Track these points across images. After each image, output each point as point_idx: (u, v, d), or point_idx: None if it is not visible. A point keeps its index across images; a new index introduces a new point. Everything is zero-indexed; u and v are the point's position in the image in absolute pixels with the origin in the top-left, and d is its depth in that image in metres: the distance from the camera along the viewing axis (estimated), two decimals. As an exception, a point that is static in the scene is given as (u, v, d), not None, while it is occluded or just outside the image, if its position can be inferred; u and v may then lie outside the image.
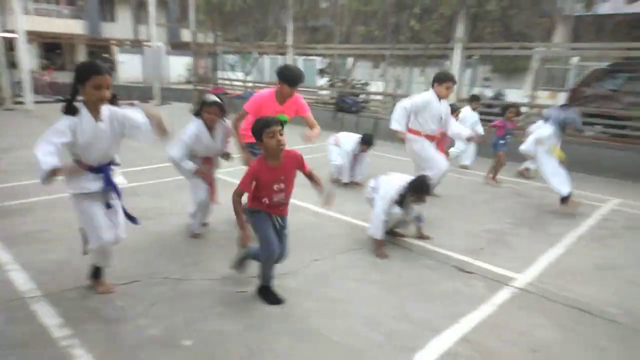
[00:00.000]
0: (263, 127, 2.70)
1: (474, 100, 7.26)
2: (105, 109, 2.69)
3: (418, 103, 4.92)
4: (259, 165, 2.77)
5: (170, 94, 17.30)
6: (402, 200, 3.84)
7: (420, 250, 4.05)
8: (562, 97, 10.20)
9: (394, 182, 3.93)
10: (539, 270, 3.72)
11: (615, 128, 8.10)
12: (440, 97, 4.92)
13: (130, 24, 30.49)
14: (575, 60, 14.18)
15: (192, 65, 17.41)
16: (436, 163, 5.07)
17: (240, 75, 16.65)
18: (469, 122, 6.79)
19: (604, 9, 8.86)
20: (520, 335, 2.76)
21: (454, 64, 9.57)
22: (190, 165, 3.84)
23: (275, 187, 2.80)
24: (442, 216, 4.95)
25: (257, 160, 2.82)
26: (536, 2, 9.16)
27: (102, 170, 2.77)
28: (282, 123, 2.98)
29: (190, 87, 17.37)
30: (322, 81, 15.37)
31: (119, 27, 30.41)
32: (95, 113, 2.63)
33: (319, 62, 20.54)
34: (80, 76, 2.56)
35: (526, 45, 9.25)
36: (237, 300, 3.03)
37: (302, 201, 5.01)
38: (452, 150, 7.14)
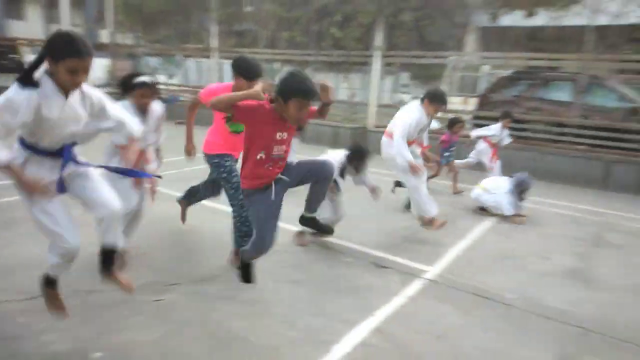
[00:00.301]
0: (299, 93, 2.35)
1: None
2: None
3: (412, 128, 4.47)
4: (269, 112, 2.42)
5: (87, 98, 16.45)
6: (342, 171, 4.14)
7: (341, 248, 4.19)
8: (473, 102, 10.98)
9: (335, 156, 4.15)
10: (448, 262, 4.01)
11: (518, 130, 8.87)
12: (427, 115, 4.58)
13: (41, 23, 28.33)
14: (486, 68, 15.35)
15: (111, 67, 16.56)
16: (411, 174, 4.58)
17: (163, 78, 16.11)
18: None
19: (506, 21, 9.69)
20: (428, 323, 2.96)
21: (375, 71, 9.98)
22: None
23: (278, 135, 2.48)
24: (361, 215, 5.15)
25: (265, 105, 2.44)
26: (448, 14, 9.81)
27: (62, 152, 2.26)
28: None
29: (109, 90, 16.53)
30: (249, 86, 15.27)
31: (28, 26, 28.10)
32: (64, 91, 2.14)
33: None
34: (53, 52, 2.06)
35: (439, 54, 9.89)
36: (153, 309, 2.96)
37: (222, 205, 4.99)
38: None
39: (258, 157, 2.49)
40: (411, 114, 4.50)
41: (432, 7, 9.49)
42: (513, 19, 9.54)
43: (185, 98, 14.76)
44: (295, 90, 2.35)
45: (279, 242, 4.19)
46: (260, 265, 3.68)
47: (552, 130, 8.57)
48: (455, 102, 11.29)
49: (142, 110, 3.34)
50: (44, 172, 2.24)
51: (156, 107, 3.51)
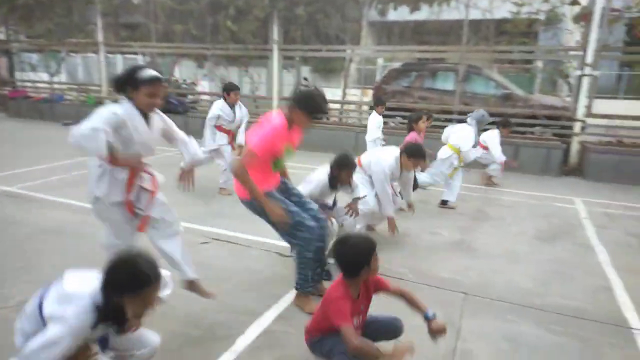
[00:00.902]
0: (370, 253, 2.17)
1: (379, 104, 7.30)
2: None
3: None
4: (344, 294, 2.18)
5: (-48, 100, 14.51)
6: (332, 183, 3.90)
7: (246, 242, 4.20)
8: (370, 93, 11.53)
9: (319, 175, 3.90)
10: (348, 246, 4.21)
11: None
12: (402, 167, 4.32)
13: None
14: (380, 61, 16.15)
15: (-20, 65, 14.73)
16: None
17: (45, 76, 14.69)
18: (378, 126, 7.02)
19: (393, 16, 10.28)
20: (329, 304, 3.11)
21: (274, 65, 10.05)
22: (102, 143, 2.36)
23: (355, 321, 2.25)
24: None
25: (339, 289, 2.20)
26: (340, 9, 10.15)
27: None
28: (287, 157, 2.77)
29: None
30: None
31: None
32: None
33: (142, 61, 19.29)
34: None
35: (335, 48, 10.22)
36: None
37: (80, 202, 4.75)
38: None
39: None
40: (389, 161, 4.22)
41: (325, 2, 9.74)
42: (400, 13, 10.15)
43: (71, 97, 13.62)
44: (369, 251, 2.20)
45: (186, 241, 4.11)
46: (163, 265, 3.58)
47: (440, 117, 9.30)
48: (355, 94, 11.76)
49: (145, 114, 2.61)
50: None
51: (161, 115, 2.78)
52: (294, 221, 2.95)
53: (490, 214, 5.58)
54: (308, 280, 3.06)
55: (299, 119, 2.93)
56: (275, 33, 9.84)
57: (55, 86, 14.15)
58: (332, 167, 3.71)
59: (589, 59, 7.92)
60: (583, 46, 8.02)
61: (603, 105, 9.11)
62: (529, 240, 4.69)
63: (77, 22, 12.68)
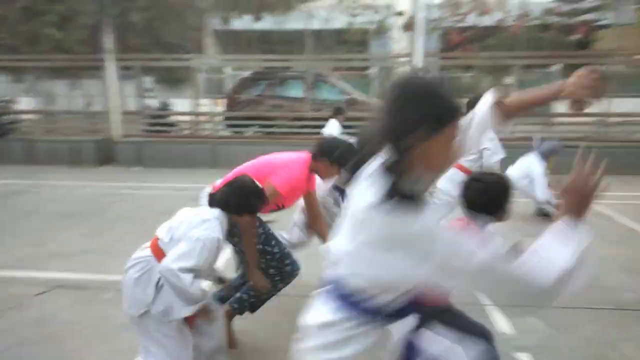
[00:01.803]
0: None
1: (339, 113, 7.12)
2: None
3: None
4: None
5: None
6: None
7: (96, 285, 3.66)
8: (223, 103, 11.22)
9: None
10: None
11: (266, 127, 9.53)
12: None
13: None
14: (228, 70, 15.86)
15: None
16: None
17: None
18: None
19: (237, 25, 10.20)
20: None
21: (110, 76, 9.13)
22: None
23: None
24: (120, 241, 4.65)
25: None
26: (179, 16, 9.67)
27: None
28: None
29: None
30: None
31: None
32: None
33: None
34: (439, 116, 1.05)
35: (179, 57, 9.70)
36: None
37: None
38: None
39: None
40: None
41: (161, 8, 9.17)
42: (244, 23, 10.09)
43: None
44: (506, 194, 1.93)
45: (17, 294, 3.39)
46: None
47: (295, 124, 9.49)
48: (207, 104, 11.33)
49: None
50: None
51: None
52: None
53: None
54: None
55: (324, 171, 2.76)
56: (109, 41, 8.93)
57: None
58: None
59: (419, 63, 8.86)
60: (410, 53, 8.95)
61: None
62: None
63: None
